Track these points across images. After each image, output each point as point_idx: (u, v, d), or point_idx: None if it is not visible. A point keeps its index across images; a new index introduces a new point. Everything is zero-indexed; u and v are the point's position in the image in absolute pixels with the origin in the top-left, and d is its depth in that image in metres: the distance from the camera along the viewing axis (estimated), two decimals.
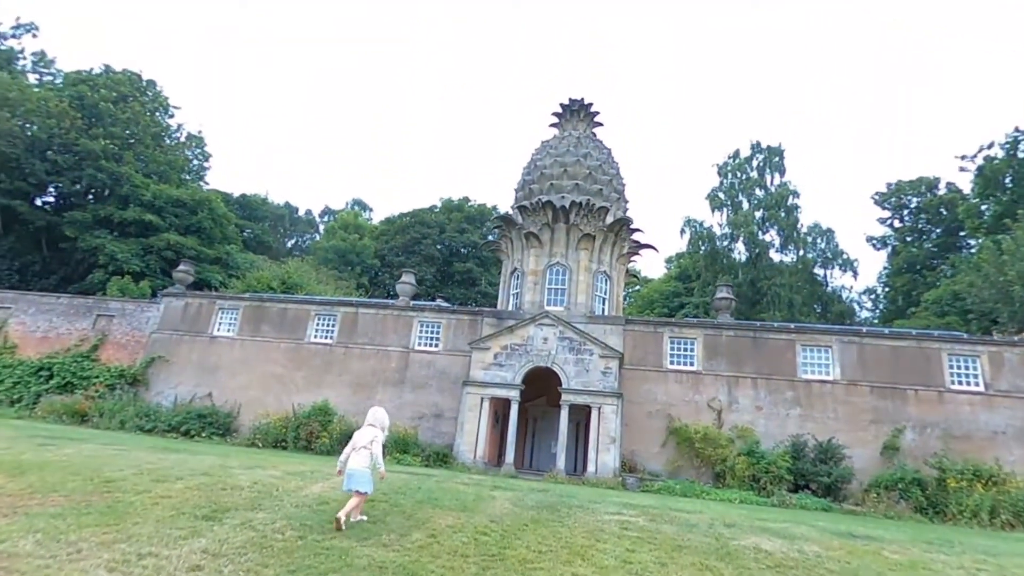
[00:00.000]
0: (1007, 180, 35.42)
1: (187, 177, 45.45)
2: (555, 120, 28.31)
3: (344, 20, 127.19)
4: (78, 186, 35.61)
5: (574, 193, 24.51)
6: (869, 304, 49.54)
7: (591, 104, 27.73)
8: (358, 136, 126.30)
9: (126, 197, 34.80)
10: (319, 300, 26.78)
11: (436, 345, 23.93)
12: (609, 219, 24.46)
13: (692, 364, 21.79)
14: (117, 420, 22.47)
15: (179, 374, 25.34)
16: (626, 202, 26.33)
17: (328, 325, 25.16)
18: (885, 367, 20.38)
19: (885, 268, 50.11)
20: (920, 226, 48.43)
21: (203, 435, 21.93)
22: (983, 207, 38.16)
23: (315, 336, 25.13)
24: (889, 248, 50.06)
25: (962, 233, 44.99)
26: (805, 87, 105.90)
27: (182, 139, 45.94)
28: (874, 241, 51.01)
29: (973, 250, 42.42)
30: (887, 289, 47.83)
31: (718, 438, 20.03)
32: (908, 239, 48.19)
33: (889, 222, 50.02)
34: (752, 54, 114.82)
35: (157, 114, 44.02)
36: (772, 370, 21.09)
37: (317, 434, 20.92)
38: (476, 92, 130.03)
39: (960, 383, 19.84)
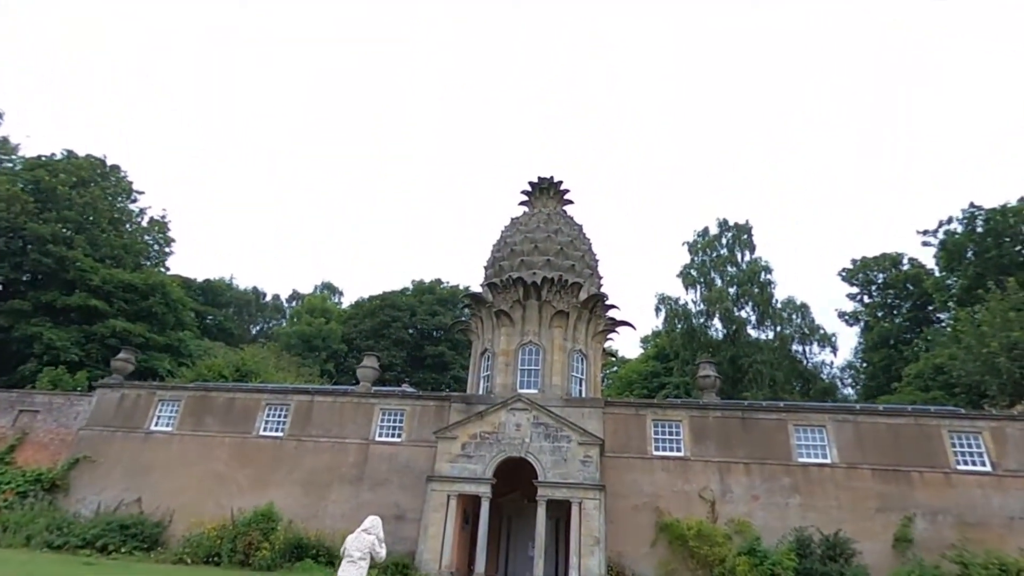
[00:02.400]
0: (969, 254, 36.06)
1: (146, 263, 43.68)
2: (524, 198, 27.99)
3: (312, 102, 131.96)
4: (22, 273, 33.55)
5: (546, 269, 23.57)
6: (850, 380, 48.72)
7: (560, 182, 27.58)
8: (330, 219, 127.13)
9: (72, 282, 32.76)
10: (271, 388, 24.56)
11: (399, 435, 21.72)
12: (583, 295, 23.41)
13: (679, 449, 19.99)
14: (23, 535, 19.34)
15: (106, 477, 22.34)
16: (600, 278, 25.48)
17: (280, 416, 22.83)
18: (885, 447, 18.92)
19: (860, 344, 49.92)
20: (889, 301, 48.84)
21: (123, 550, 18.85)
22: (949, 281, 38.62)
23: (264, 429, 22.69)
24: (861, 324, 50.16)
25: (931, 307, 45.45)
26: (770, 165, 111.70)
27: (143, 223, 44.60)
28: (846, 317, 51.15)
29: (944, 324, 42.63)
30: (865, 365, 47.26)
31: (714, 534, 17.91)
32: (879, 314, 48.40)
33: (859, 298, 50.48)
34: (714, 131, 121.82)
35: (119, 199, 42.95)
36: (765, 454, 19.41)
37: (257, 545, 18.07)
38: (449, 173, 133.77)
39: (966, 463, 18.42)
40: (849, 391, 46.58)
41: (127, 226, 42.40)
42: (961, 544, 16.54)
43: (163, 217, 45.23)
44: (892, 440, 19.04)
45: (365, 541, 6.96)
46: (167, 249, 46.28)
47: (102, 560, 17.41)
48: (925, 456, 18.59)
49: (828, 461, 19.06)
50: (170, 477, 21.94)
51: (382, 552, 6.96)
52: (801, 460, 19.20)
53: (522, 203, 28.03)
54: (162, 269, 45.08)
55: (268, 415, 22.90)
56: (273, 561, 17.68)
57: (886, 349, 45.47)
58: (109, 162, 42.70)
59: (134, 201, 44.47)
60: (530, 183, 27.74)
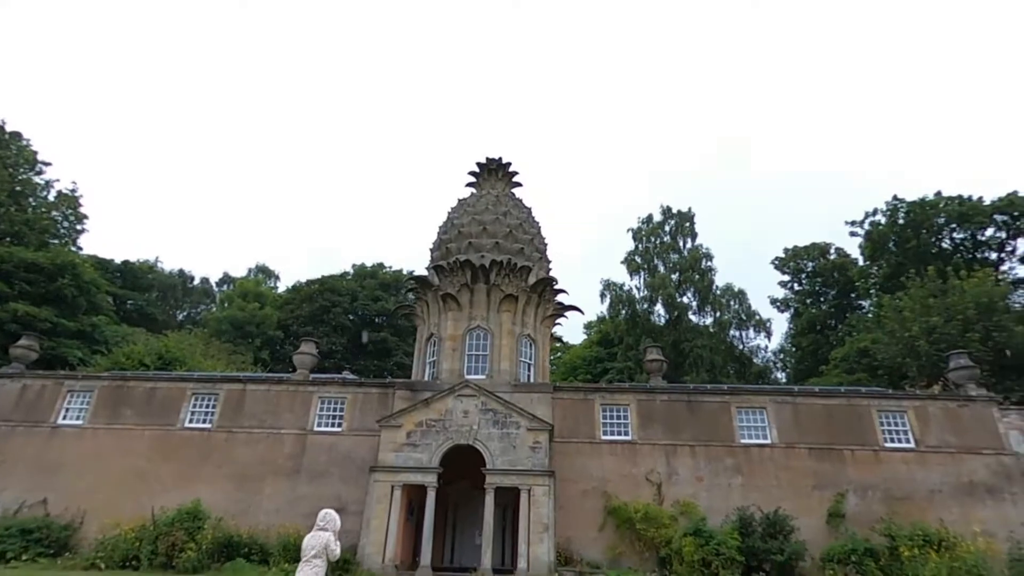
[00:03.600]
0: (891, 244, 38.29)
1: (54, 241, 39.72)
2: (472, 180, 27.14)
3: (248, 71, 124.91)
4: None
5: (494, 252, 22.94)
6: (780, 364, 51.07)
7: (509, 163, 26.90)
8: (265, 200, 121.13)
9: None
10: (197, 376, 22.78)
11: (339, 425, 20.65)
12: (532, 279, 22.97)
13: (627, 434, 20.02)
14: None
15: (5, 477, 20.07)
16: (548, 262, 25.11)
17: (208, 406, 21.21)
18: (820, 427, 19.63)
19: (790, 329, 52.42)
20: (817, 289, 51.45)
21: (25, 557, 16.99)
22: (872, 269, 40.96)
23: (191, 420, 21.03)
24: (791, 310, 52.65)
25: (854, 295, 48.23)
26: (713, 151, 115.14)
27: (50, 198, 40.50)
28: (778, 304, 53.52)
29: (867, 310, 45.35)
30: (795, 349, 49.66)
31: (660, 516, 18.04)
32: (808, 301, 50.92)
33: (790, 285, 52.90)
34: (658, 115, 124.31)
35: (21, 169, 38.75)
36: (710, 436, 19.73)
37: (182, 546, 16.65)
38: (394, 155, 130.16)
39: (893, 440, 19.39)
40: (780, 375, 48.79)
41: (31, 200, 38.39)
42: (889, 517, 17.38)
43: (73, 191, 41.24)
44: (826, 420, 19.78)
45: (320, 539, 6.48)
46: (79, 227, 42.35)
47: None
48: (856, 434, 19.43)
49: (768, 442, 19.59)
50: (82, 475, 19.95)
51: (336, 550, 6.43)
52: (743, 441, 19.64)
53: (469, 184, 27.18)
54: (73, 248, 41.17)
55: (195, 405, 21.24)
56: (200, 562, 16.36)
57: (814, 334, 47.98)
58: (9, 128, 38.48)
59: (39, 173, 40.35)
60: (478, 164, 26.92)
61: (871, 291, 41.90)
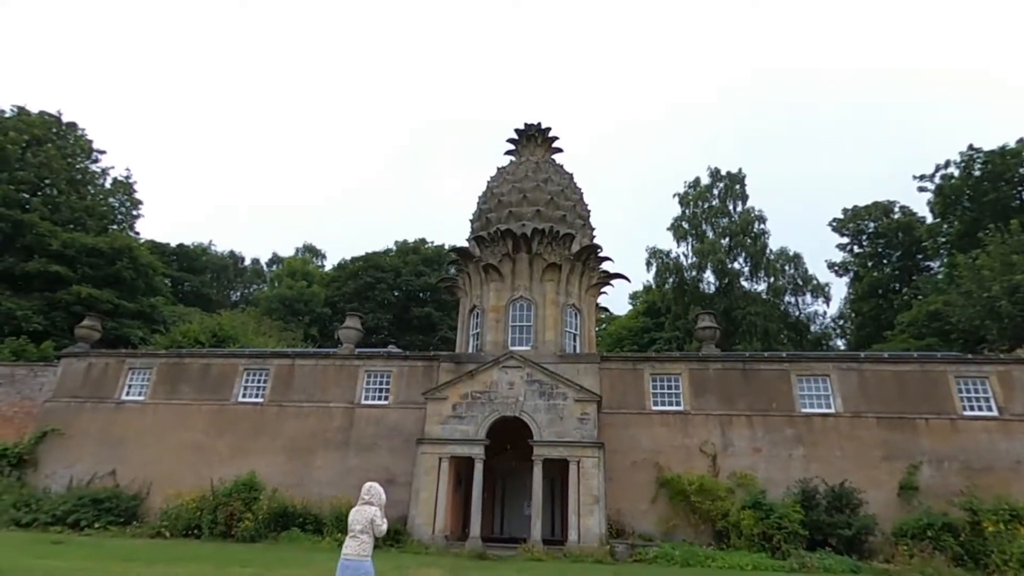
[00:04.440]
0: (965, 199, 35.31)
1: (113, 227, 41.38)
2: (511, 148, 26.32)
3: (289, 58, 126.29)
4: None
5: (535, 220, 22.24)
6: (838, 331, 48.65)
7: (548, 129, 25.92)
8: (311, 181, 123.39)
9: (30, 247, 30.72)
10: (248, 352, 23.26)
11: (386, 398, 20.70)
12: (575, 247, 22.21)
13: (679, 404, 19.25)
14: None
15: (77, 450, 21.15)
16: (592, 229, 24.22)
17: (259, 381, 21.64)
18: (890, 395, 18.32)
19: (849, 294, 49.72)
20: (879, 250, 48.39)
21: (97, 525, 17.86)
22: (943, 226, 38.01)
23: (243, 395, 21.52)
24: (851, 274, 49.83)
25: (920, 256, 45.12)
26: (761, 112, 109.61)
27: (107, 185, 42.05)
28: (835, 268, 50.72)
29: (935, 271, 42.35)
30: (855, 315, 47.11)
31: (716, 489, 17.34)
32: (869, 264, 48.02)
33: (849, 248, 49.96)
34: (703, 77, 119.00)
35: (78, 159, 40.28)
36: (768, 405, 18.74)
37: (239, 516, 17.15)
38: (433, 128, 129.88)
39: (972, 408, 17.91)
40: (840, 342, 46.49)
41: (88, 188, 39.89)
42: (968, 490, 16.11)
43: (127, 177, 42.65)
44: (897, 387, 18.44)
45: (366, 514, 6.20)
46: (135, 212, 43.90)
47: (73, 537, 16.40)
48: (931, 402, 18.05)
49: (832, 411, 18.45)
50: (145, 448, 20.81)
51: (383, 525, 6.11)
52: (804, 411, 18.57)
53: (508, 152, 26.38)
54: (130, 233, 42.81)
55: (247, 380, 21.71)
56: (257, 531, 16.81)
57: (875, 299, 45.28)
58: (65, 119, 39.91)
59: (95, 161, 41.79)
60: (516, 131, 26.06)
61: (941, 251, 38.99)
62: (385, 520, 6.42)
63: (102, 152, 41.78)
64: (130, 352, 23.89)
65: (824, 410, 18.53)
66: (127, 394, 22.13)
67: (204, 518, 17.36)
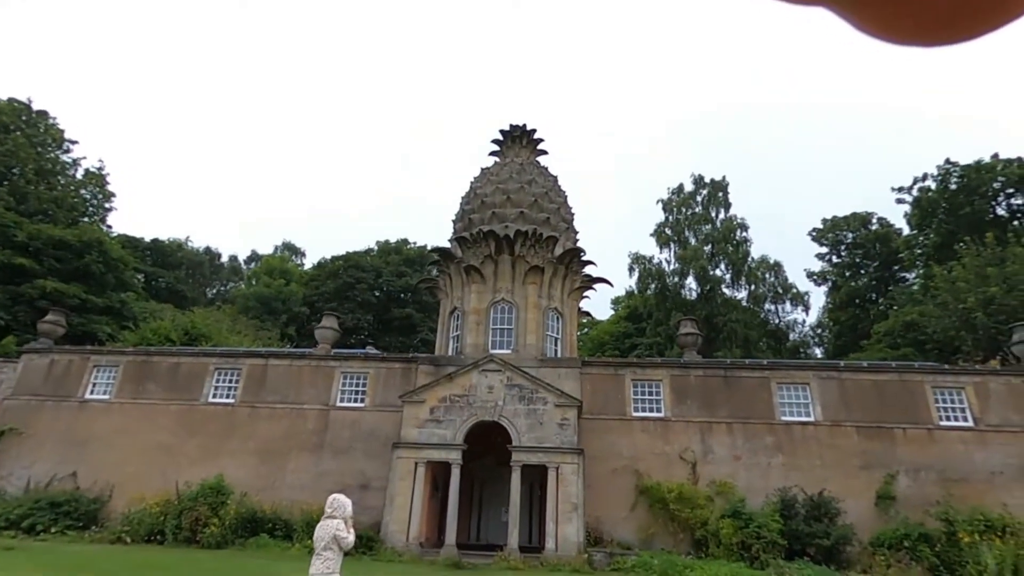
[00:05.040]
0: (941, 212, 35.90)
1: (84, 219, 40.10)
2: (495, 148, 26.02)
3: (270, 50, 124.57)
4: None
5: (519, 222, 21.94)
6: (816, 339, 49.19)
7: (534, 130, 25.69)
8: (291, 178, 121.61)
9: None
10: (220, 351, 22.55)
11: (362, 400, 20.20)
12: (559, 250, 21.95)
13: (659, 410, 19.08)
14: None
15: (36, 450, 20.25)
16: (576, 232, 24.01)
17: (230, 381, 20.98)
18: (869, 404, 18.37)
19: (828, 303, 50.34)
20: (857, 261, 49.13)
21: (54, 530, 17.05)
22: (920, 238, 38.63)
23: (214, 395, 20.84)
24: (829, 283, 50.48)
25: (896, 267, 45.87)
26: (745, 122, 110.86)
27: (78, 176, 40.76)
28: (814, 277, 51.34)
29: (911, 282, 43.05)
30: (833, 324, 47.70)
31: (695, 497, 17.18)
32: (847, 274, 48.70)
33: (828, 258, 50.61)
34: (689, 86, 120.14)
35: (49, 148, 38.98)
36: (748, 413, 18.66)
37: (205, 521, 16.48)
38: (418, 129, 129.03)
39: (948, 419, 18.04)
40: (817, 351, 47.00)
41: (59, 178, 38.65)
42: (944, 500, 16.16)
43: (100, 169, 41.39)
44: (876, 397, 18.50)
45: (328, 529, 5.76)
46: (107, 205, 42.69)
47: (27, 543, 15.61)
48: (909, 412, 18.14)
49: (811, 419, 18.45)
50: (109, 449, 20.00)
51: (349, 538, 5.72)
52: (784, 419, 18.54)
53: (492, 153, 26.08)
54: (103, 227, 41.54)
55: (218, 380, 21.03)
56: (223, 537, 16.19)
57: (853, 308, 45.89)
58: (36, 108, 38.62)
59: (67, 152, 40.54)
60: (501, 131, 25.78)
61: (917, 262, 39.63)
62: (352, 531, 6.05)
63: (74, 142, 40.57)
64: (95, 349, 23.01)
65: (804, 418, 18.51)
66: (91, 393, 21.29)
67: (168, 523, 16.68)
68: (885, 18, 0.30)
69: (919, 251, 38.76)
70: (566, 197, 24.65)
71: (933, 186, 36.12)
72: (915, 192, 37.11)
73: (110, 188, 42.62)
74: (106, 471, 19.48)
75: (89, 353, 22.18)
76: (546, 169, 25.12)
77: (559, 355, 20.87)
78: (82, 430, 20.51)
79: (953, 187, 34.78)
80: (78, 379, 21.39)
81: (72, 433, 20.47)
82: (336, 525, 5.98)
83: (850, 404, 18.46)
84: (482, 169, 25.25)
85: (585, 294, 24.00)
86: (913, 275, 42.81)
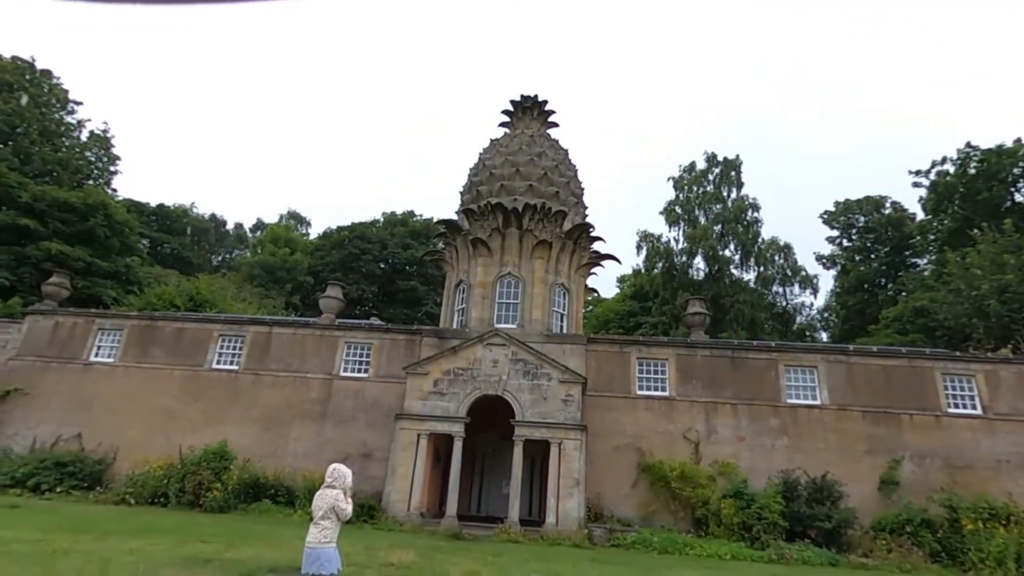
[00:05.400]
0: (957, 197, 35.17)
1: (89, 182, 39.79)
2: (505, 119, 25.42)
3: (281, 20, 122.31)
4: None
5: (528, 195, 21.54)
6: (824, 323, 48.88)
7: (545, 101, 25.05)
8: (298, 146, 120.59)
9: None
10: (224, 318, 22.45)
11: (366, 371, 20.14)
12: (567, 225, 21.59)
13: (664, 389, 18.95)
14: None
15: (41, 410, 20.36)
16: (585, 208, 23.59)
17: (235, 348, 20.93)
18: (876, 389, 18.17)
19: (836, 287, 49.88)
20: (868, 245, 48.49)
21: (59, 489, 17.21)
22: (934, 223, 37.96)
23: (218, 361, 20.83)
24: (838, 267, 49.94)
25: (907, 252, 45.26)
26: (759, 99, 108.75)
27: (83, 138, 40.33)
28: (824, 260, 50.79)
29: (922, 268, 42.50)
30: (840, 308, 47.33)
31: (697, 476, 17.14)
32: (857, 258, 48.12)
33: (838, 241, 49.98)
34: (705, 61, 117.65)
35: (53, 108, 38.48)
36: (754, 394, 18.51)
37: (208, 485, 16.59)
38: (427, 99, 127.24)
39: (957, 406, 17.83)
40: (823, 334, 46.74)
41: (63, 140, 38.21)
42: (949, 487, 16.06)
43: (105, 132, 40.94)
44: (883, 382, 18.29)
45: (327, 498, 5.77)
46: (112, 168, 42.30)
47: (32, 501, 15.76)
48: (917, 398, 17.94)
49: (817, 402, 18.28)
50: (113, 412, 20.08)
51: (347, 508, 5.67)
52: (790, 401, 18.38)
53: (502, 124, 25.48)
54: (108, 190, 41.26)
55: (222, 347, 20.99)
56: (226, 502, 16.31)
57: (861, 293, 45.44)
58: (40, 66, 37.98)
59: (71, 113, 40.00)
60: (512, 102, 25.14)
61: (930, 248, 39.03)
62: (350, 502, 5.93)
63: (78, 103, 40.01)
64: (99, 312, 22.97)
65: (810, 401, 18.35)
66: (96, 355, 21.30)
67: (171, 486, 16.80)
68: None
69: (933, 236, 38.14)
70: (576, 171, 24.16)
71: (951, 170, 35.31)
72: (932, 176, 36.30)
73: (115, 151, 42.26)
74: (110, 433, 19.58)
75: (94, 316, 22.15)
76: (556, 142, 24.57)
77: (565, 331, 20.68)
78: (87, 392, 20.58)
79: (972, 172, 33.98)
80: (83, 341, 21.39)
81: (77, 395, 20.55)
82: (335, 495, 5.86)
83: (857, 388, 18.26)
84: (491, 140, 24.71)
85: (592, 271, 23.71)
86: (925, 261, 42.27)
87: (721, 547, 14.41)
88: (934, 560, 14.40)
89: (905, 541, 14.73)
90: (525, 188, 21.66)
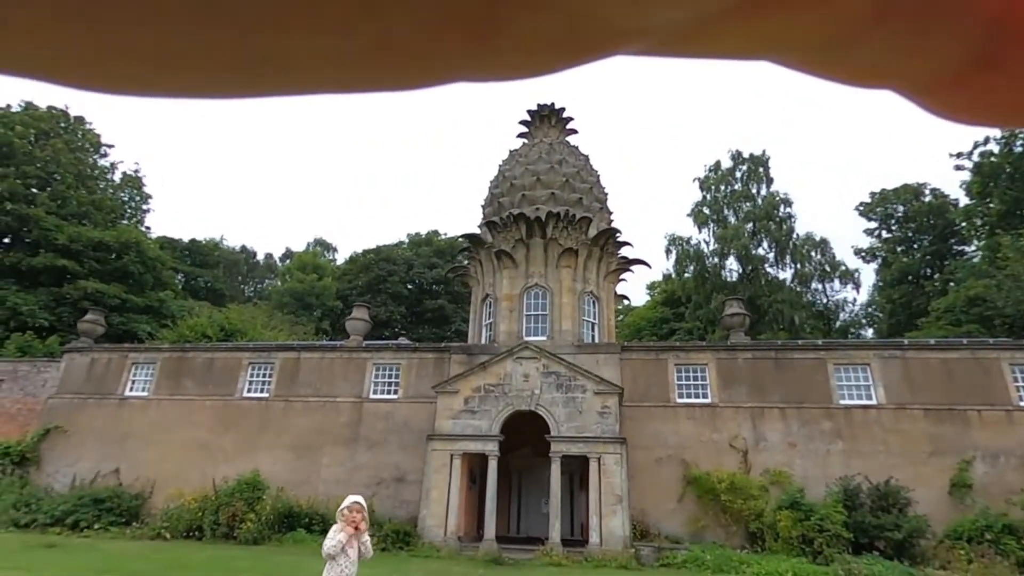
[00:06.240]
0: (1004, 177, 33.31)
1: (123, 221, 41.01)
2: (523, 129, 25.10)
3: None
4: None
5: (550, 203, 21.03)
6: (869, 319, 46.77)
7: (563, 109, 24.64)
8: (322, 176, 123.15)
9: (36, 242, 30.27)
10: (253, 346, 22.43)
11: (395, 392, 19.73)
12: (592, 231, 20.97)
13: (706, 396, 17.99)
14: None
15: (79, 447, 20.51)
16: (610, 213, 22.95)
17: (264, 375, 20.81)
18: (937, 385, 16.88)
19: (878, 281, 47.76)
20: (909, 235, 46.38)
21: (97, 526, 17.15)
22: (980, 207, 36.02)
23: (248, 389, 20.72)
24: (879, 260, 47.85)
25: (952, 240, 43.11)
26: (785, 93, 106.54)
27: (116, 179, 41.67)
28: (863, 254, 48.75)
29: (970, 255, 40.32)
30: (885, 303, 45.20)
31: (748, 487, 16.10)
32: (898, 249, 46.03)
33: (876, 233, 47.96)
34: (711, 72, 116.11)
35: (87, 152, 39.87)
36: (803, 397, 17.40)
37: (242, 516, 16.28)
38: (445, 119, 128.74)
39: None
40: (868, 331, 44.67)
41: (97, 182, 39.50)
42: None
43: (136, 172, 42.26)
44: (945, 377, 16.99)
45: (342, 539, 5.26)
46: (144, 207, 43.60)
47: (71, 539, 15.69)
48: (984, 393, 16.58)
49: (874, 402, 17.07)
50: (149, 445, 20.10)
51: (324, 544, 5.23)
52: (843, 402, 17.21)
53: (521, 135, 25.16)
54: (141, 228, 42.42)
55: (252, 375, 20.89)
56: (260, 533, 15.96)
57: (906, 285, 43.31)
58: (73, 114, 39.50)
59: (103, 156, 41.46)
60: (529, 111, 24.84)
61: (979, 233, 36.99)
62: (335, 533, 5.59)
63: (110, 146, 41.43)
64: (132, 346, 23.23)
65: (865, 402, 17.15)
66: (130, 390, 21.45)
67: (206, 519, 16.56)
68: (954, 105, 0.29)
69: (980, 221, 36.17)
70: (598, 176, 23.60)
71: (996, 150, 33.51)
72: (975, 157, 34.50)
73: (146, 190, 43.55)
74: (146, 467, 19.57)
75: (127, 351, 22.38)
76: (576, 148, 24.09)
77: (596, 340, 19.97)
78: (123, 427, 20.68)
79: (1019, 150, 32.17)
80: (117, 376, 21.59)
81: (113, 430, 20.66)
82: (363, 539, 5.54)
83: (916, 385, 17.00)
84: (510, 152, 24.38)
85: (622, 276, 22.98)
86: (973, 247, 40.11)
87: (780, 563, 13.36)
88: (1022, 570, 13.06)
89: (987, 550, 13.43)
90: (547, 196, 21.17)
